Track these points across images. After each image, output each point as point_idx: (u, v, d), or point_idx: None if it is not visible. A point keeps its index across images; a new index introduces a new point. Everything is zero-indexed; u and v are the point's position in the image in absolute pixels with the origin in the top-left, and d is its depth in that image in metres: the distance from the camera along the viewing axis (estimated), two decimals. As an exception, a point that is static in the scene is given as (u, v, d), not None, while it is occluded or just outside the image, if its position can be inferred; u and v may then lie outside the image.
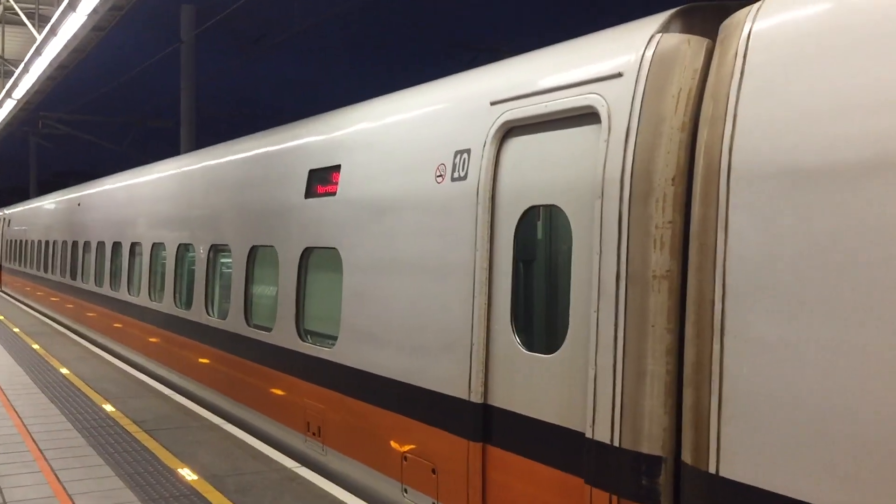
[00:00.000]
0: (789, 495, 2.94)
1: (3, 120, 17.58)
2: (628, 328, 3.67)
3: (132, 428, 7.64)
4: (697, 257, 3.39)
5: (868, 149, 2.79)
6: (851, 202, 2.83)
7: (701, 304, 3.34)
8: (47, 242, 19.71)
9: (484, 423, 4.58)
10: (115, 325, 13.22)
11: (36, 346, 13.14)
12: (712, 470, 3.22)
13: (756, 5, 3.40)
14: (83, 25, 9.48)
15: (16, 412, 8.21)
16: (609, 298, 3.76)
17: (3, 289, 28.20)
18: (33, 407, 8.47)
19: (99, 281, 14.17)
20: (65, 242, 17.48)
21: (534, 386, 4.26)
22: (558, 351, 4.13)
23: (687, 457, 3.39)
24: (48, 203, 20.91)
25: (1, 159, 60.69)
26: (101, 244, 14.03)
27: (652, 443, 3.59)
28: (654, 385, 3.59)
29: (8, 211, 29.33)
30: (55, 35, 9.99)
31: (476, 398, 4.61)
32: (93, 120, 30.60)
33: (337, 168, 6.40)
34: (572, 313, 4.04)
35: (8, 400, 8.79)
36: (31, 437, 7.24)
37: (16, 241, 25.45)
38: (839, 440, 2.82)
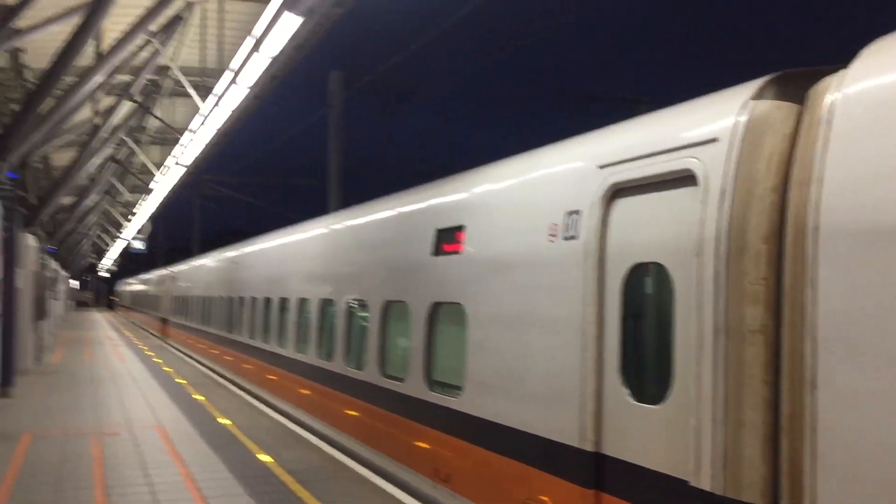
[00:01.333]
0: None
1: (172, 185, 18.95)
2: (727, 380, 3.85)
3: (286, 478, 7.89)
4: (789, 312, 3.61)
5: None
6: None
7: (794, 357, 3.54)
8: (206, 298, 21.36)
9: (597, 470, 4.79)
10: (267, 375, 13.94)
11: (198, 397, 13.90)
12: None
13: (840, 74, 3.64)
14: (245, 96, 10.16)
15: (181, 460, 8.68)
16: (708, 351, 3.95)
17: (169, 341, 30.37)
18: (197, 455, 8.93)
19: (251, 334, 15.08)
20: (220, 297, 18.77)
21: (642, 435, 4.47)
22: (665, 402, 4.33)
23: None
24: (206, 261, 22.63)
25: (169, 220, 65.35)
26: (253, 299, 15.01)
27: (752, 491, 3.71)
28: (752, 435, 3.73)
29: (174, 269, 31.65)
30: (218, 105, 10.74)
31: (589, 447, 4.84)
32: (249, 181, 32.54)
33: (461, 228, 6.87)
34: (676, 366, 4.25)
35: (174, 448, 9.32)
36: (195, 484, 7.62)
37: (180, 296, 27.47)
38: None
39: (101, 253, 64.38)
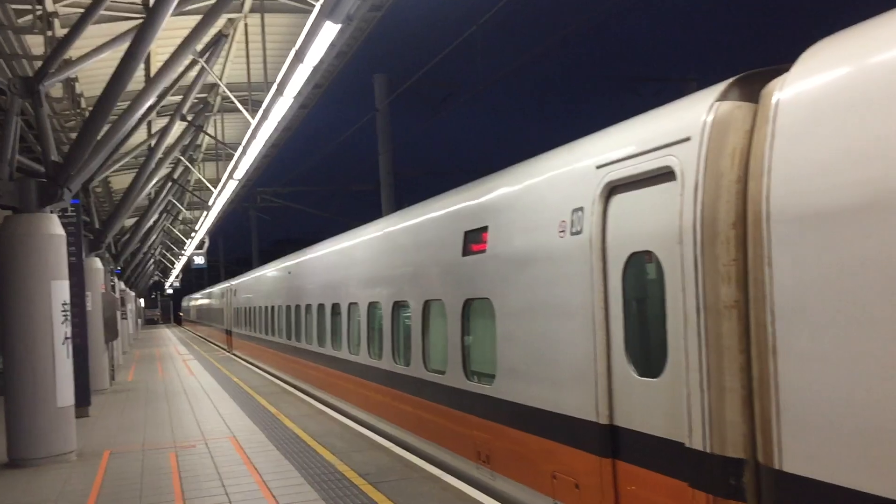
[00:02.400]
0: (834, 482, 3.56)
1: (227, 199, 19.31)
2: (709, 352, 4.39)
3: (358, 481, 7.99)
4: (754, 289, 4.14)
5: (865, 192, 3.47)
6: (857, 234, 3.50)
7: (759, 328, 4.08)
8: (264, 308, 22.47)
9: (612, 441, 5.36)
10: (321, 376, 14.97)
11: (268, 405, 14.15)
12: (777, 466, 3.91)
13: (782, 76, 4.12)
14: (290, 107, 10.29)
15: (255, 469, 8.85)
16: (693, 327, 4.50)
17: (234, 351, 31.32)
18: (270, 463, 9.09)
19: (307, 339, 16.11)
20: (278, 307, 19.76)
21: (646, 406, 5.03)
22: (662, 375, 4.89)
23: (760, 457, 4.11)
24: (263, 273, 23.59)
25: (227, 234, 66.62)
26: (308, 307, 15.95)
27: (735, 447, 4.25)
28: (733, 399, 4.27)
29: (233, 282, 32.68)
30: (266, 118, 10.89)
31: (603, 420, 5.40)
32: (302, 190, 32.94)
33: (485, 229, 7.49)
34: (669, 342, 4.79)
35: (248, 457, 9.50)
36: (271, 492, 7.76)
37: (241, 308, 28.45)
38: (868, 433, 3.42)
39: (165, 271, 65.99)
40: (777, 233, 3.93)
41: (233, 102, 14.50)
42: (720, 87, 4.67)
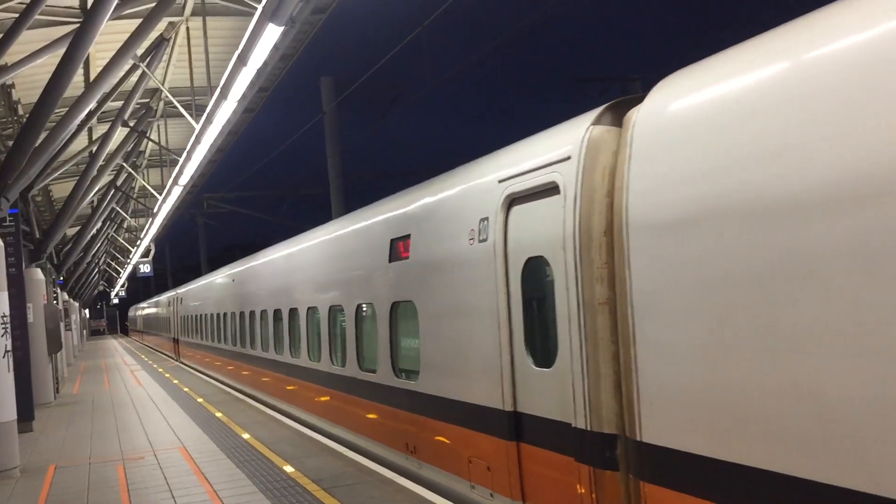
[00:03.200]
0: (681, 449, 4.22)
1: (173, 205, 18.99)
2: (587, 343, 5.02)
3: (311, 487, 7.92)
4: (619, 288, 4.75)
5: (696, 206, 4.10)
6: (689, 241, 4.13)
7: (624, 321, 4.68)
8: (208, 315, 23.21)
9: (516, 426, 5.95)
10: (263, 379, 15.82)
11: (219, 414, 13.95)
12: (639, 439, 4.55)
13: (638, 106, 4.76)
14: (234, 111, 10.15)
15: (206, 479, 8.71)
16: (574, 322, 5.13)
17: (182, 360, 31.17)
18: (221, 473, 8.97)
19: (250, 344, 16.81)
20: (222, 314, 20.59)
21: (542, 393, 5.63)
22: (554, 365, 5.48)
23: (627, 432, 4.73)
24: (208, 281, 24.15)
25: (174, 241, 65.53)
26: (251, 313, 16.56)
27: (609, 425, 4.90)
28: (606, 383, 4.92)
29: (179, 291, 32.71)
30: (211, 122, 10.73)
31: (508, 407, 6.01)
32: (251, 195, 32.57)
33: (408, 237, 8.05)
34: (559, 336, 5.38)
35: (198, 467, 9.36)
36: (222, 502, 7.65)
37: (188, 316, 28.68)
38: (704, 408, 4.05)
39: (110, 280, 64.63)
40: (634, 240, 4.56)
41: (176, 107, 14.28)
42: (595, 112, 5.30)
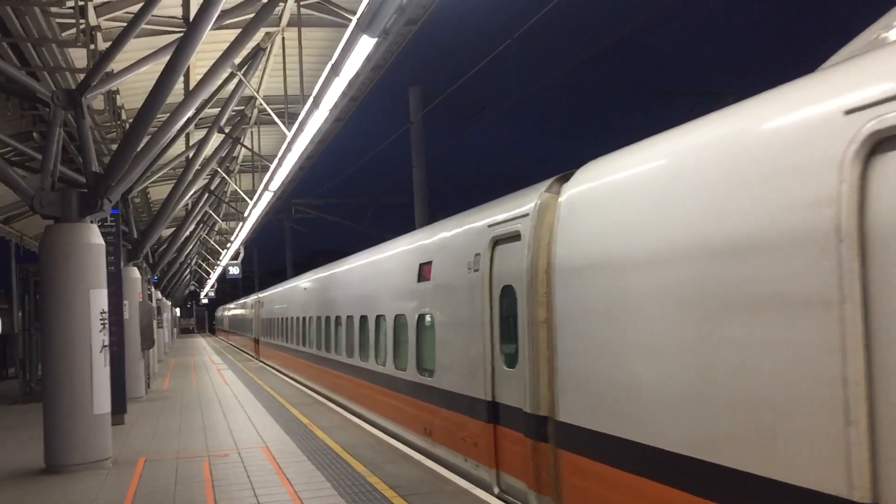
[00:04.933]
0: (581, 425, 6.01)
1: (263, 210, 19.48)
2: (534, 351, 6.89)
3: (389, 493, 7.98)
4: (549, 311, 6.64)
5: (587, 258, 6.00)
6: (590, 281, 5.93)
7: (551, 335, 6.56)
8: (282, 319, 26.38)
9: (494, 412, 7.89)
10: (321, 374, 18.70)
11: (299, 415, 14.21)
12: (557, 419, 6.43)
13: (568, 181, 6.67)
14: (325, 119, 10.36)
15: (287, 480, 8.88)
16: (526, 335, 7.00)
17: (261, 358, 33.17)
18: (302, 474, 9.13)
19: (316, 345, 19.34)
20: (293, 318, 23.62)
21: (510, 387, 7.53)
22: (517, 366, 7.34)
23: (553, 414, 6.55)
24: (284, 288, 27.51)
25: (262, 245, 67.20)
26: (317, 318, 19.15)
27: (545, 408, 6.73)
28: (543, 379, 6.76)
29: (261, 295, 35.44)
30: (302, 131, 10.97)
31: (489, 398, 7.96)
32: (337, 202, 33.14)
33: (430, 262, 10.07)
34: (519, 344, 7.25)
35: (280, 467, 9.55)
36: (302, 502, 7.78)
37: (268, 318, 31.02)
38: (594, 397, 5.83)
39: (201, 281, 66.71)
40: (557, 278, 6.47)
41: (269, 115, 14.66)
42: (547, 183, 7.20)
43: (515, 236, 7.36)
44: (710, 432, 4.50)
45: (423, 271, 10.20)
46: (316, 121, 10.36)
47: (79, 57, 11.93)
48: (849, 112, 3.74)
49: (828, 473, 3.69)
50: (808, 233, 3.87)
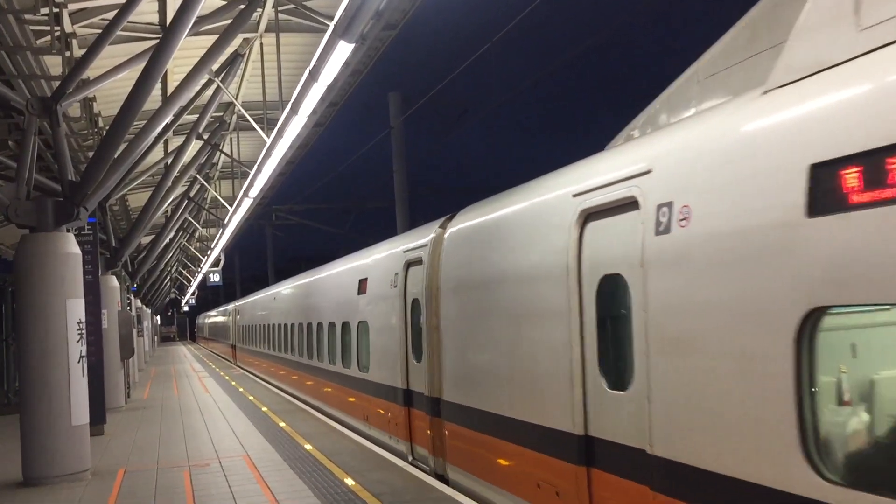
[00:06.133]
0: (455, 401, 8.35)
1: (243, 217, 19.37)
2: (430, 348, 9.09)
3: (372, 501, 7.92)
4: (438, 319, 8.89)
5: (454, 281, 8.57)
6: (457, 296, 8.48)
7: (438, 337, 8.89)
8: (253, 326, 29.21)
9: (408, 397, 10.21)
10: (277, 370, 22.78)
11: (280, 423, 14.11)
12: (442, 398, 8.81)
13: (451, 221, 9.03)
14: (305, 125, 10.30)
15: (269, 489, 8.80)
16: (426, 337, 9.19)
17: (238, 363, 35.03)
18: (283, 483, 9.05)
19: (281, 348, 22.13)
20: (261, 325, 26.70)
21: (416, 377, 9.85)
22: (421, 361, 9.53)
23: (442, 395, 8.80)
24: (255, 298, 30.11)
25: (243, 251, 66.85)
26: (280, 325, 22.19)
27: (436, 392, 8.91)
28: (436, 371, 8.96)
29: (237, 303, 37.24)
30: (281, 136, 10.91)
31: (404, 386, 10.32)
32: (318, 208, 33.02)
33: (366, 279, 12.43)
34: (423, 344, 9.41)
35: (262, 477, 9.46)
36: (283, 512, 7.70)
37: (244, 326, 32.72)
38: (459, 380, 8.31)
39: (181, 288, 66.22)
40: (442, 295, 8.81)
41: (248, 121, 14.57)
42: (441, 220, 9.37)
43: (419, 261, 9.63)
44: (516, 398, 6.79)
45: (362, 286, 12.63)
46: (295, 126, 10.29)
47: (54, 64, 11.79)
48: (575, 195, 5.86)
49: (563, 418, 5.83)
50: (557, 268, 6.00)
